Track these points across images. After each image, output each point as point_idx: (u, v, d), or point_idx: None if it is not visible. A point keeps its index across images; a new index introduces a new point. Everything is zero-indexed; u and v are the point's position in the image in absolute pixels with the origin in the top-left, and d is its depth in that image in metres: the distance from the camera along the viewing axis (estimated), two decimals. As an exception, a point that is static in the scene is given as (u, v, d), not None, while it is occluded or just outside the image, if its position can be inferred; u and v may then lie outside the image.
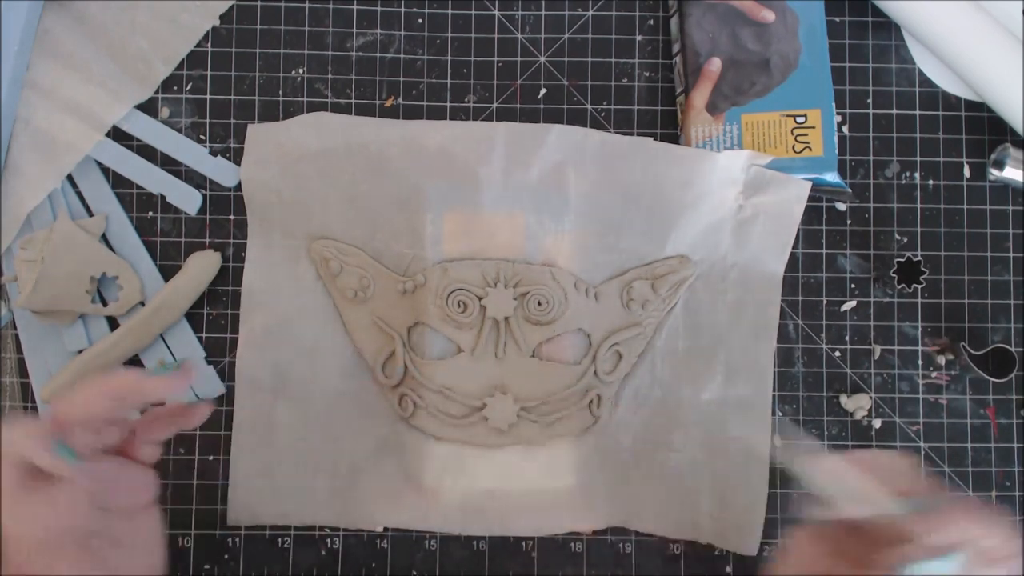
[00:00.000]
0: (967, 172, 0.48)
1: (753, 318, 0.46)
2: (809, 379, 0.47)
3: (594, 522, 0.46)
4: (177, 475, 0.47)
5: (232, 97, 0.48)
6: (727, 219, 0.46)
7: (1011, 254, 0.48)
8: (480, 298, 0.44)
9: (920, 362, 0.47)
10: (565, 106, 0.48)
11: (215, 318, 0.47)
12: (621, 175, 0.45)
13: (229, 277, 0.47)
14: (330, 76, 0.48)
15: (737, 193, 0.45)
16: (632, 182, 0.45)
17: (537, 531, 0.45)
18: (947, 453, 0.47)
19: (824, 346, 0.47)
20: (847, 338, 0.47)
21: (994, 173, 0.46)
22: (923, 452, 0.47)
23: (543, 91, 0.48)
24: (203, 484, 0.47)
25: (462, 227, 0.45)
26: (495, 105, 0.48)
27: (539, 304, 0.44)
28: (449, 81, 0.48)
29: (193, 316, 0.47)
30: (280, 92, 0.48)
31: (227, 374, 0.47)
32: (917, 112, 0.48)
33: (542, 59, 0.48)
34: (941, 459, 0.47)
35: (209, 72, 0.48)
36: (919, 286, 0.47)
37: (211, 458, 0.46)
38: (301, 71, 0.48)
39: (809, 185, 0.45)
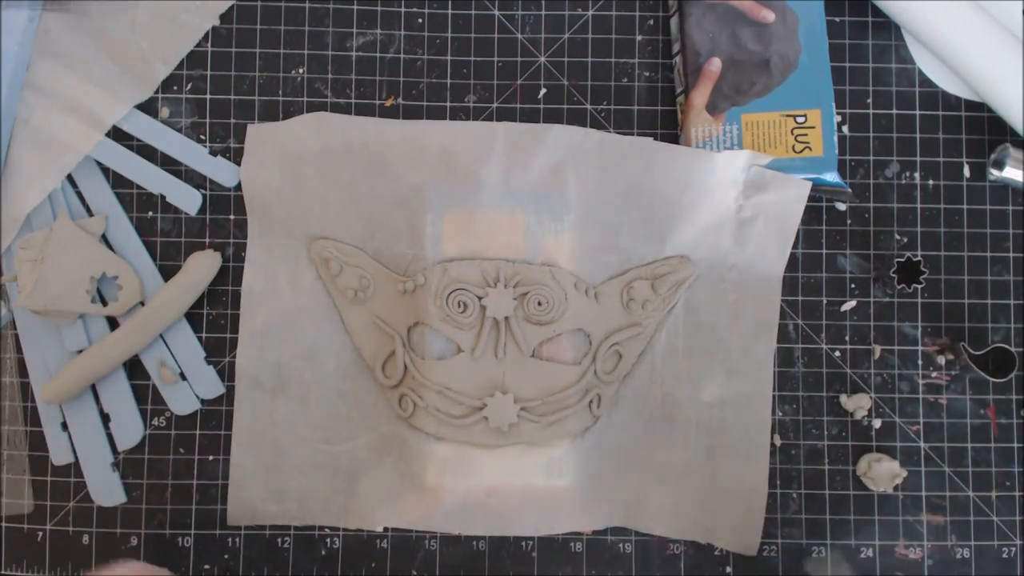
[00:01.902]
0: (967, 172, 0.48)
1: (753, 318, 0.46)
2: (809, 379, 0.47)
3: (594, 522, 0.46)
4: (177, 475, 0.47)
5: (232, 97, 0.48)
6: (727, 219, 0.46)
7: (1011, 254, 0.48)
8: (480, 298, 0.44)
9: (920, 362, 0.47)
10: (565, 106, 0.48)
11: (215, 318, 0.47)
12: (620, 175, 0.45)
13: (229, 277, 0.47)
14: (330, 76, 0.48)
15: (737, 193, 0.45)
16: (631, 182, 0.45)
17: (537, 531, 0.45)
18: (947, 453, 0.47)
19: (824, 346, 0.48)
20: (847, 338, 0.47)
21: (994, 173, 0.46)
22: (923, 452, 0.47)
23: (543, 91, 0.48)
24: (203, 484, 0.47)
25: (462, 227, 0.45)
26: (495, 105, 0.48)
27: (539, 304, 0.44)
28: (449, 81, 0.48)
29: (193, 316, 0.47)
30: (280, 92, 0.48)
31: (227, 374, 0.47)
32: (917, 112, 0.48)
33: (542, 59, 0.48)
34: (941, 459, 0.47)
35: (209, 72, 0.48)
36: (919, 286, 0.47)
37: (211, 458, 0.47)
38: (301, 71, 0.48)
39: (809, 185, 0.45)
